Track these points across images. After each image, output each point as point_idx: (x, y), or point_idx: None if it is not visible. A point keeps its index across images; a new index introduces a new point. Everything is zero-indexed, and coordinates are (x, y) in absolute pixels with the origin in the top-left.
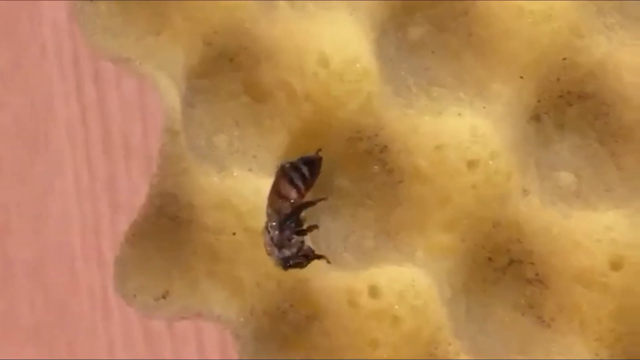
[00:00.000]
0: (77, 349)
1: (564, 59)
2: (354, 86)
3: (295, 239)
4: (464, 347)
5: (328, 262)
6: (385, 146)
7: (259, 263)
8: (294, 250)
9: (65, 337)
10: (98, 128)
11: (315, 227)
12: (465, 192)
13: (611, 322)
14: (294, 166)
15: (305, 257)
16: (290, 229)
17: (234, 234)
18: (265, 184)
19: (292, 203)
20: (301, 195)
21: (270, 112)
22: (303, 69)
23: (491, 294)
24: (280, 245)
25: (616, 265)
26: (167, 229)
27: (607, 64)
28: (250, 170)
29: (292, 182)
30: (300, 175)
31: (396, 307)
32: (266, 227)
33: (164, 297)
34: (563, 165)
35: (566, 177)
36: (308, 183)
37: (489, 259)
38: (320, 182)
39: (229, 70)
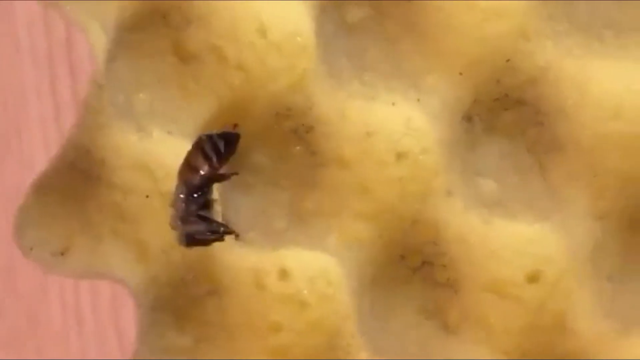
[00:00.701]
0: (48, 357)
1: (508, 60)
2: (290, 61)
3: (202, 214)
4: (365, 343)
5: (236, 236)
6: (312, 127)
7: (167, 230)
8: (200, 227)
9: (35, 344)
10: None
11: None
12: (389, 184)
13: (521, 336)
14: (210, 139)
15: (211, 234)
16: (198, 204)
17: (147, 196)
18: (184, 149)
19: (202, 175)
20: (213, 168)
21: (196, 75)
22: (238, 35)
23: (398, 294)
24: (184, 220)
25: (532, 278)
26: (74, 183)
27: (548, 73)
28: (169, 133)
29: (205, 155)
30: (215, 149)
31: (305, 292)
32: (174, 200)
33: (62, 253)
34: (487, 171)
35: (488, 184)
36: (222, 157)
37: (402, 256)
38: (237, 156)
39: (160, 26)
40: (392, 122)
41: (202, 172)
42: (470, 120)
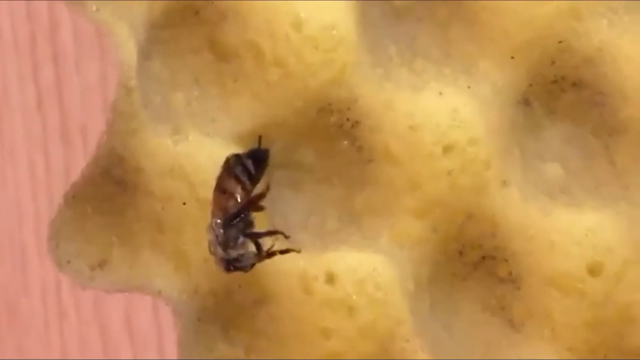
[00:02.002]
0: (28, 352)
1: (560, 42)
2: (328, 55)
3: (242, 239)
4: (423, 345)
5: (286, 237)
6: (357, 121)
7: None
8: (241, 251)
9: (15, 339)
10: (55, 115)
11: (270, 233)
12: (438, 178)
13: (586, 331)
14: (239, 160)
15: (253, 258)
16: (237, 229)
17: (184, 204)
18: (221, 152)
19: (237, 201)
20: (246, 191)
21: (234, 73)
22: (274, 31)
23: (459, 290)
24: (224, 246)
25: (594, 271)
26: (110, 193)
27: (605, 53)
28: (207, 135)
29: (236, 178)
30: (245, 170)
31: (354, 297)
32: (210, 225)
33: (100, 266)
34: (551, 156)
35: (553, 169)
36: (253, 178)
37: (460, 252)
38: (284, 156)
39: (193, 23)
40: (437, 114)
41: (236, 196)
42: (528, 105)
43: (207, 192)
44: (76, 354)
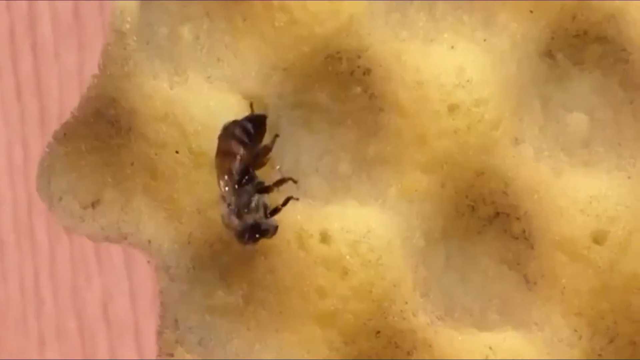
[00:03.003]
0: (5, 338)
1: None
2: (333, 6)
3: (257, 199)
4: (426, 305)
5: (294, 182)
6: (369, 69)
7: (202, 188)
8: (258, 214)
9: None
10: (35, 104)
11: (280, 183)
12: (445, 136)
13: (594, 298)
14: (237, 123)
15: (272, 221)
16: (248, 190)
17: (176, 152)
18: (218, 104)
19: (241, 159)
20: (249, 150)
21: (243, 12)
22: None
23: (475, 243)
24: (239, 213)
25: (598, 239)
26: (104, 132)
27: (626, 12)
28: (208, 79)
29: (236, 138)
30: (245, 131)
31: (347, 257)
32: (221, 196)
33: (93, 205)
34: (578, 105)
35: (578, 118)
36: (253, 138)
37: (472, 207)
38: (296, 97)
39: None
40: (444, 71)
41: (239, 155)
42: (552, 57)
43: (200, 143)
44: (53, 340)
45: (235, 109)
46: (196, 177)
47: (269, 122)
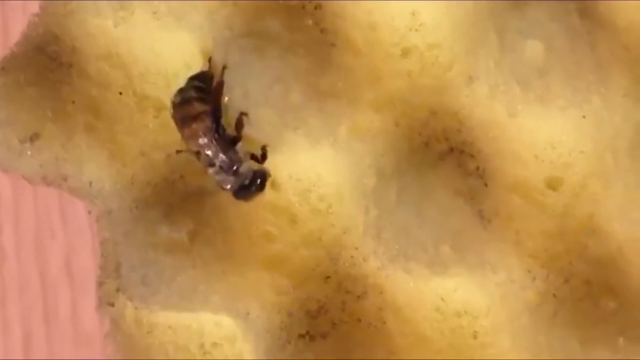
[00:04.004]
0: None
1: None
2: None
3: (238, 149)
4: (378, 248)
5: (245, 115)
6: (320, 4)
7: (146, 132)
8: (246, 164)
9: None
10: None
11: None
12: (398, 77)
13: (548, 240)
14: (188, 87)
15: (264, 169)
16: (228, 141)
17: (120, 93)
18: (163, 48)
19: (208, 115)
20: (210, 104)
21: None
22: None
23: (429, 176)
24: (233, 170)
25: (553, 185)
26: (44, 66)
27: None
28: (154, 14)
29: (190, 99)
30: (198, 89)
31: (297, 206)
32: (207, 164)
33: (31, 139)
34: (534, 33)
35: (535, 47)
36: (205, 90)
37: (426, 144)
38: (247, 26)
39: None
40: (397, 16)
41: (202, 111)
42: None
43: (145, 87)
44: (15, 295)
45: (181, 52)
46: (140, 120)
47: (219, 55)
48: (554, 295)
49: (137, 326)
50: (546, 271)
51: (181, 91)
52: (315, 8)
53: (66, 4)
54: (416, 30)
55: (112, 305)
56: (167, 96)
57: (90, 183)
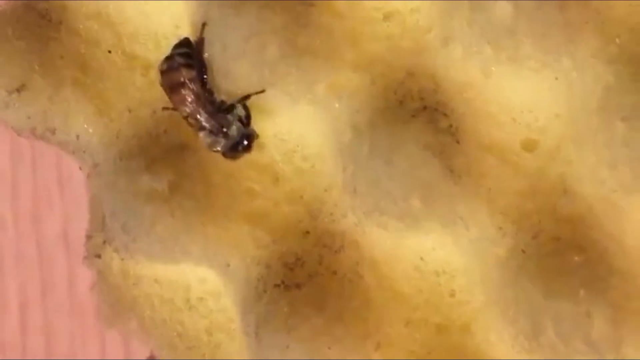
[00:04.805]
0: None
1: None
2: None
3: (228, 108)
4: (354, 205)
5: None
6: None
7: (133, 89)
8: (237, 121)
9: None
10: None
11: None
12: (378, 40)
13: (519, 199)
14: (168, 57)
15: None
16: (219, 106)
17: (109, 52)
18: (152, 7)
19: (197, 79)
20: (197, 69)
21: None
22: None
23: (400, 131)
24: (223, 131)
25: (528, 147)
26: (33, 22)
27: None
28: None
29: (178, 67)
30: (185, 55)
31: (280, 165)
32: (198, 128)
33: (18, 90)
34: None
35: (503, 7)
36: (191, 56)
37: (400, 102)
38: None
39: None
40: None
41: (189, 78)
42: None
43: (134, 47)
44: (12, 266)
45: (170, 14)
46: (128, 78)
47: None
48: (523, 251)
49: (123, 278)
50: (516, 227)
51: (167, 59)
52: None
53: None
54: None
55: (99, 257)
56: (155, 57)
57: (78, 136)
